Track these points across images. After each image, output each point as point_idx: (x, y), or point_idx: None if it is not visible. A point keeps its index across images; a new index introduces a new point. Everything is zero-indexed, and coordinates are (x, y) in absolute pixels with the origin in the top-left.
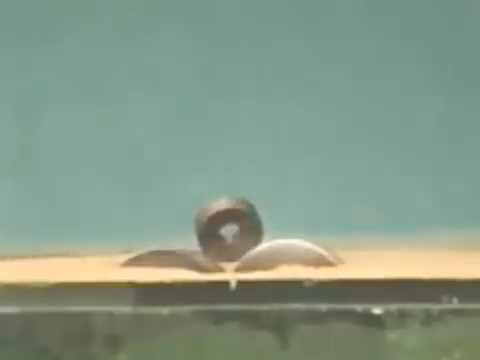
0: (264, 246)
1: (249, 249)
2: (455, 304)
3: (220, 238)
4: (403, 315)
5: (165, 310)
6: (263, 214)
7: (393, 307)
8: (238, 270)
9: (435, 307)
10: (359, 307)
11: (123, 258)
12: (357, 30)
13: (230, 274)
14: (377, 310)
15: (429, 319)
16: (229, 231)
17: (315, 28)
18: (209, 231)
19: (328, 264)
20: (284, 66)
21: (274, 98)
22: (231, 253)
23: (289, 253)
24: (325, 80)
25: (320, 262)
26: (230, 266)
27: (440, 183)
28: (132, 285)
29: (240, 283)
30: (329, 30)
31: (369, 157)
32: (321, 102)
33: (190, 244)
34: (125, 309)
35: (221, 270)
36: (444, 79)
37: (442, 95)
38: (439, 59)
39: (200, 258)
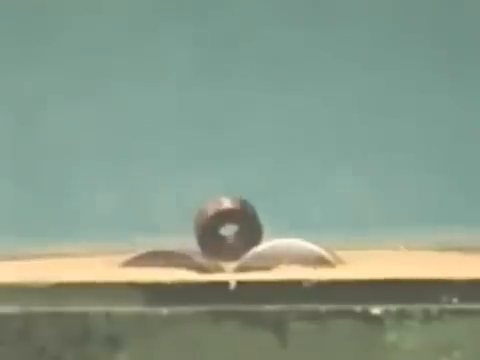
0: (264, 246)
1: (249, 249)
2: (454, 304)
3: (220, 238)
4: (402, 315)
5: (165, 310)
6: (263, 214)
7: (392, 307)
8: (238, 270)
9: (434, 307)
10: (358, 307)
11: (123, 258)
12: (359, 29)
13: (230, 274)
14: (376, 310)
15: (428, 319)
16: (229, 231)
17: (316, 25)
18: (209, 231)
19: (327, 264)
20: (285, 65)
21: (275, 97)
22: (231, 253)
23: (288, 253)
24: (326, 78)
25: (319, 262)
26: (230, 266)
27: (440, 183)
28: (132, 285)
29: (240, 283)
30: (331, 27)
31: (369, 156)
32: (322, 100)
33: (190, 244)
34: (125, 309)
35: (221, 270)
36: (446, 78)
37: (446, 93)
38: (442, 57)
39: (200, 258)
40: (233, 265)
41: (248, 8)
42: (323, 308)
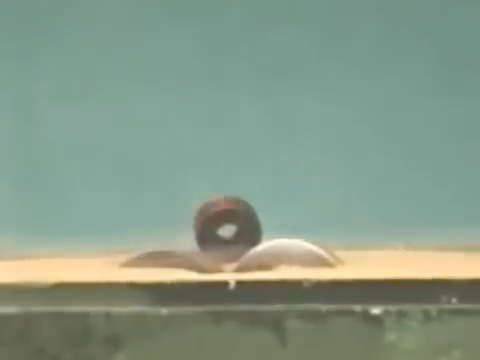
0: (263, 246)
1: (248, 249)
2: (454, 304)
3: (219, 238)
4: (402, 315)
5: (164, 310)
6: (262, 214)
7: (392, 307)
8: (237, 270)
9: (434, 307)
10: (358, 307)
11: (123, 258)
12: (359, 30)
13: (229, 274)
14: (376, 310)
15: (428, 319)
16: (228, 231)
17: (317, 26)
18: (208, 231)
19: (327, 264)
20: (285, 65)
21: (274, 97)
22: (230, 253)
23: (288, 253)
24: (326, 79)
25: (319, 262)
26: (229, 266)
27: (440, 183)
28: (132, 285)
29: (239, 283)
30: (332, 29)
31: (369, 157)
32: (321, 101)
33: (189, 244)
34: (125, 309)
35: (220, 270)
36: (447, 79)
37: (444, 95)
38: (443, 59)
39: (199, 258)
40: (232, 265)
41: (248, 10)
42: (323, 308)
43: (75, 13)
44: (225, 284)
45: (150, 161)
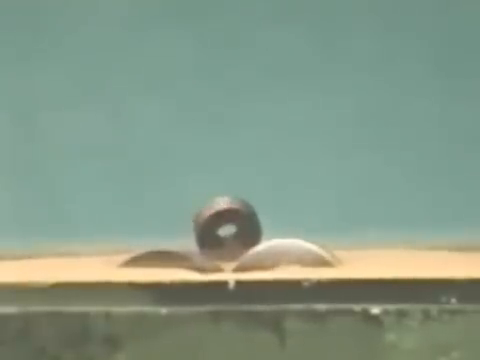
0: (263, 246)
1: (248, 249)
2: (453, 304)
3: (219, 238)
4: (401, 315)
5: (164, 310)
6: (263, 214)
7: (391, 307)
8: (237, 270)
9: (433, 307)
10: (357, 307)
11: (122, 258)
12: (358, 29)
13: (229, 274)
14: (375, 310)
15: (427, 319)
16: (228, 231)
17: (315, 27)
18: (208, 231)
19: (327, 264)
20: (284, 66)
21: (274, 98)
22: (230, 253)
23: (288, 253)
24: (325, 80)
25: (319, 262)
26: (229, 266)
27: (440, 183)
28: (131, 285)
29: (238, 283)
30: (329, 29)
31: (369, 157)
32: (321, 102)
33: (189, 244)
34: (124, 309)
35: (220, 270)
36: (445, 79)
37: (443, 95)
38: (441, 58)
39: (199, 258)
40: (232, 265)
41: (248, 9)
42: (322, 308)
43: (75, 14)
44: (225, 284)
45: (150, 161)
